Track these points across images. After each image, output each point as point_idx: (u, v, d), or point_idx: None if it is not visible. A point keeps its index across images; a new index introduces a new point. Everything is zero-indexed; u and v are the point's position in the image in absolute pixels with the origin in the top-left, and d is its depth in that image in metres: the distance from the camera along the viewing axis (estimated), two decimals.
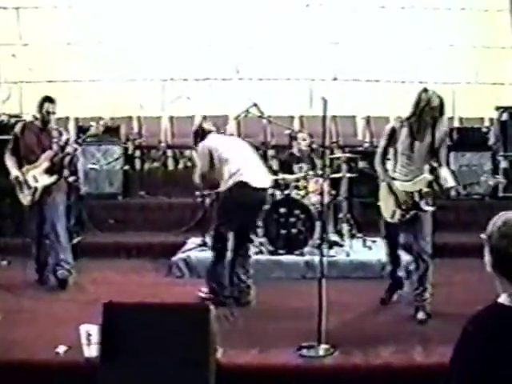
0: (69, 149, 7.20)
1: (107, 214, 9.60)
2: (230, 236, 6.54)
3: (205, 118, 7.68)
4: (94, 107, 11.49)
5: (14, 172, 7.24)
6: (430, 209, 6.04)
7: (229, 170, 6.42)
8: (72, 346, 5.04)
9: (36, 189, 7.17)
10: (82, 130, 9.85)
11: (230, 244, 6.54)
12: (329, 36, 11.99)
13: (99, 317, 4.61)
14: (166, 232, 9.19)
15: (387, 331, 5.66)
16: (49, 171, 7.19)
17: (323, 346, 5.14)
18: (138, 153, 11.54)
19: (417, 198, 5.96)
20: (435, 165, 6.04)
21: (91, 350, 4.85)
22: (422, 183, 5.95)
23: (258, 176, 6.58)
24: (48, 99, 7.26)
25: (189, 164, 11.73)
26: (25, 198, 7.23)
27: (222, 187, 6.52)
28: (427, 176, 5.98)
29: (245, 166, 6.48)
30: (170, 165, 11.86)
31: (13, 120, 10.27)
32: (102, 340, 4.62)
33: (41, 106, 7.24)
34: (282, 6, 11.95)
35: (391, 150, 6.11)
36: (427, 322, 5.90)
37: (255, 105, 8.12)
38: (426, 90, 5.88)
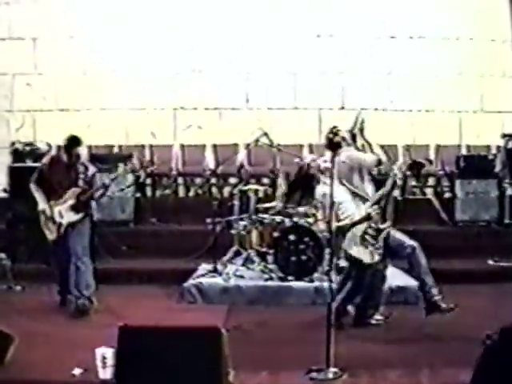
0: (99, 184, 7.38)
1: (119, 240, 9.66)
2: None
3: None
4: (107, 135, 11.69)
5: (42, 205, 7.35)
6: (387, 225, 6.49)
7: None
8: (88, 369, 5.16)
9: (61, 224, 7.28)
10: (94, 158, 10.04)
11: None
12: (337, 66, 12.16)
13: (113, 340, 4.70)
14: (177, 258, 9.26)
15: (394, 354, 5.76)
16: (74, 208, 7.30)
17: (332, 370, 5.23)
18: (149, 180, 11.67)
19: (374, 225, 6.44)
20: None
21: (106, 373, 4.96)
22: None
23: None
24: (76, 142, 7.37)
25: (199, 191, 11.89)
26: (51, 234, 7.36)
27: None
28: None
29: None
30: (181, 192, 12.00)
31: (27, 148, 10.48)
32: (116, 363, 4.72)
33: (69, 147, 7.35)
34: (293, 36, 12.13)
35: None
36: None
37: (265, 134, 8.27)
38: None
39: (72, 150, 7.35)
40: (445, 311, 6.38)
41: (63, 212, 7.28)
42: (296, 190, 8.45)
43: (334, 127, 6.88)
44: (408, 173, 6.98)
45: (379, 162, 6.78)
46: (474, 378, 2.73)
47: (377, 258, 6.42)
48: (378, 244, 6.39)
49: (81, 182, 7.35)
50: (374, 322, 6.73)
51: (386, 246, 6.50)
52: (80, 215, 7.33)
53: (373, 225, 6.39)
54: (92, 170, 7.51)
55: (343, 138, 6.83)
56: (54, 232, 7.33)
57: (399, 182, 6.56)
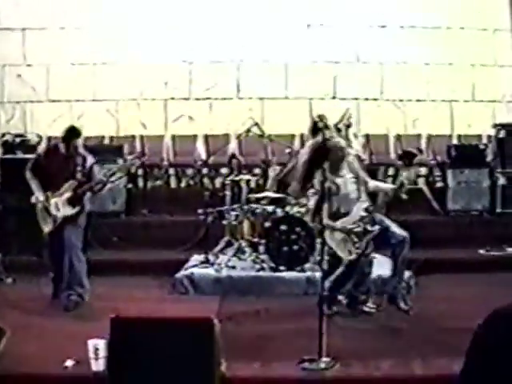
0: (98, 178, 7.22)
1: (111, 231, 9.65)
2: None
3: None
4: (98, 126, 11.65)
5: (40, 196, 7.18)
6: (375, 228, 6.40)
7: None
8: (80, 361, 5.15)
9: (56, 217, 7.15)
10: (85, 149, 9.99)
11: None
12: (328, 55, 12.14)
13: (106, 332, 4.70)
14: (168, 249, 9.25)
15: (387, 344, 5.77)
16: (71, 201, 7.15)
17: (324, 359, 5.24)
18: (140, 171, 11.65)
19: (362, 224, 6.37)
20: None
21: (99, 364, 4.96)
22: (359, 211, 6.43)
23: None
24: (75, 134, 7.21)
25: (191, 182, 11.88)
26: (46, 226, 7.22)
27: None
28: (358, 204, 6.48)
29: None
30: (173, 183, 11.98)
31: (17, 139, 10.44)
32: (109, 354, 4.72)
33: (68, 138, 7.17)
34: (283, 25, 12.10)
35: None
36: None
37: (256, 124, 8.26)
38: None
39: (71, 141, 7.18)
40: (402, 311, 6.43)
41: (60, 205, 7.14)
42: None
43: (322, 115, 7.00)
44: (399, 163, 7.01)
45: (358, 158, 6.78)
46: (466, 362, 2.70)
47: (353, 256, 6.41)
48: (360, 244, 6.38)
49: (79, 174, 7.18)
50: (366, 309, 6.73)
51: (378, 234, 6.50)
52: (76, 209, 7.19)
53: (360, 224, 6.37)
54: (90, 160, 7.34)
55: (326, 126, 6.90)
56: (50, 224, 7.21)
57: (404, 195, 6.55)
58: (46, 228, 7.26)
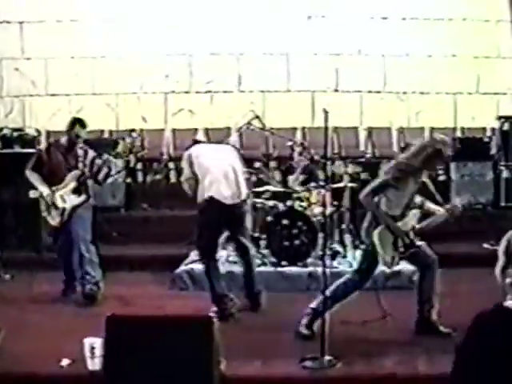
0: (98, 161, 7.27)
1: (110, 226, 9.57)
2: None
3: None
4: (97, 120, 11.54)
5: (44, 190, 7.18)
6: (422, 243, 6.03)
7: (207, 182, 6.65)
8: (76, 360, 5.07)
9: (64, 209, 7.15)
10: (85, 143, 9.91)
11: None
12: (330, 47, 12.04)
13: (103, 330, 4.61)
14: (168, 244, 9.16)
15: (390, 342, 5.68)
16: (76, 191, 7.20)
17: (326, 358, 5.16)
18: (140, 165, 11.56)
19: (412, 236, 5.88)
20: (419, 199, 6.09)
21: (95, 363, 4.88)
22: (413, 220, 5.91)
23: (228, 192, 6.74)
24: (80, 123, 7.27)
25: None
26: (53, 220, 7.21)
27: (199, 199, 6.74)
28: (415, 212, 5.95)
29: (219, 180, 6.68)
30: (172, 177, 11.87)
31: (16, 134, 10.35)
32: (105, 353, 4.62)
33: (71, 127, 7.25)
34: (284, 17, 12.01)
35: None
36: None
37: (257, 117, 8.16)
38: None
39: (73, 130, 7.21)
40: (442, 334, 5.85)
41: (65, 196, 7.17)
42: None
43: None
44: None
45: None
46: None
47: (395, 266, 6.02)
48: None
49: (80, 164, 7.24)
50: (233, 311, 6.64)
51: None
52: (82, 198, 7.24)
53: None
54: (91, 154, 7.37)
55: None
56: (57, 218, 7.19)
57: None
58: (53, 222, 7.24)
